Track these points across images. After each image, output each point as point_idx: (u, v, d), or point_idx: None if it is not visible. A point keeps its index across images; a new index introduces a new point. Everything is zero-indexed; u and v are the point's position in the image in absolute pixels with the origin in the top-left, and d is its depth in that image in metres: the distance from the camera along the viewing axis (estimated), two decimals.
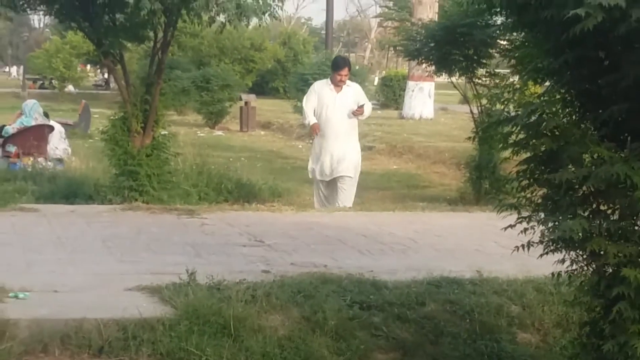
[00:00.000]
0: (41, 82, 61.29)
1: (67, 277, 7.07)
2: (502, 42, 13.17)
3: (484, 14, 9.44)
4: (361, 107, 12.81)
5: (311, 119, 12.86)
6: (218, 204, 11.58)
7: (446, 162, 20.64)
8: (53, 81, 55.48)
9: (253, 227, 9.60)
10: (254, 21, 11.68)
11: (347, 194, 12.81)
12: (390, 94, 42.44)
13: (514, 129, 4.95)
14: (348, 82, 13.01)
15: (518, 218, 5.08)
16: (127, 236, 8.89)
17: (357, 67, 25.28)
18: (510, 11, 4.80)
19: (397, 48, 19.69)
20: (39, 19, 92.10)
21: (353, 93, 12.98)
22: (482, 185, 13.70)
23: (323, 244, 9.00)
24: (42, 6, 12.41)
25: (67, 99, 46.26)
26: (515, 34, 6.08)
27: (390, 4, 73.03)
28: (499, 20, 6.57)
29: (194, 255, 8.08)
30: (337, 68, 13.00)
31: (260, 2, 10.70)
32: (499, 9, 4.87)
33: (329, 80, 13.12)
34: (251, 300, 6.30)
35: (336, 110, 12.75)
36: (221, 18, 10.99)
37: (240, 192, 12.49)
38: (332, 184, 12.91)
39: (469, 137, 13.51)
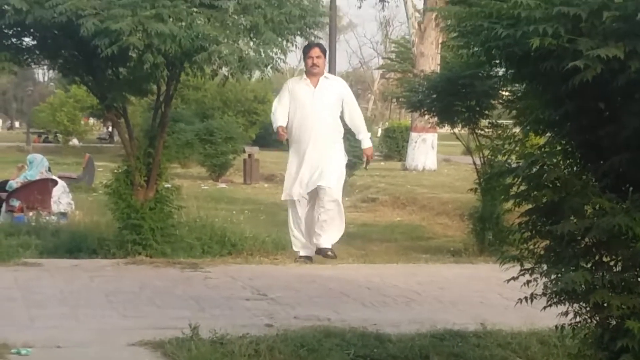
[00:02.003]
0: (45, 135, 61.55)
1: (70, 332, 7.04)
2: (504, 93, 13.19)
3: (485, 65, 9.48)
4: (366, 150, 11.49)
5: (277, 121, 11.06)
6: (222, 257, 11.55)
7: (450, 213, 20.61)
8: (57, 135, 55.73)
9: (256, 281, 9.58)
10: (257, 74, 11.74)
11: (330, 214, 10.92)
12: (394, 145, 42.60)
13: (515, 181, 4.97)
14: (329, 75, 11.55)
15: (521, 270, 5.08)
16: (131, 290, 8.86)
17: None
18: (510, 63, 4.84)
19: (400, 99, 19.74)
20: (43, 73, 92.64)
21: (336, 89, 11.19)
22: (486, 237, 13.66)
23: (326, 296, 8.97)
24: (46, 60, 12.49)
25: (71, 152, 46.42)
26: (516, 85, 6.12)
27: (393, 55, 73.59)
28: (500, 71, 6.59)
29: (197, 309, 8.05)
30: (307, 50, 11.19)
31: (263, 55, 10.72)
32: (498, 61, 4.91)
33: (304, 75, 11.38)
34: (254, 355, 6.27)
35: (314, 108, 10.96)
36: (224, 71, 11.04)
37: (244, 245, 12.43)
38: (310, 202, 11.13)
39: (472, 189, 13.51)
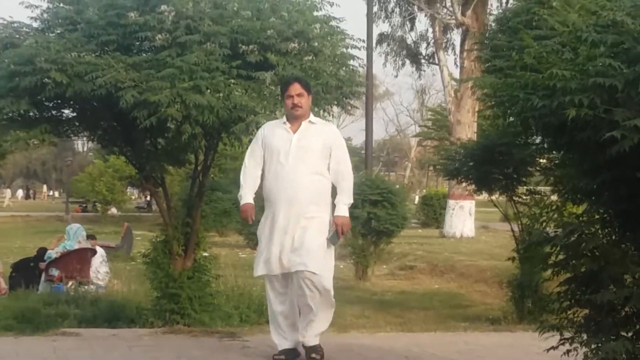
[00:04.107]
0: (84, 205, 62.03)
1: None
2: (541, 160, 13.18)
3: (522, 134, 9.49)
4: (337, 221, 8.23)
5: (243, 190, 8.47)
6: (259, 325, 11.52)
7: (488, 280, 20.51)
8: (96, 204, 56.17)
9: None
10: None
11: (315, 305, 8.29)
12: (431, 212, 42.53)
13: (553, 250, 4.96)
14: (315, 119, 8.66)
15: (561, 339, 5.05)
16: None
17: (397, 186, 25.32)
18: (546, 133, 4.86)
19: (437, 167, 19.78)
20: (82, 143, 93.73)
21: (323, 137, 8.38)
22: (525, 305, 13.58)
23: None
24: (85, 132, 12.66)
25: (110, 221, 46.75)
26: (553, 153, 6.13)
27: (429, 123, 73.73)
28: (537, 140, 6.61)
29: None
30: (285, 86, 8.63)
31: None
32: (535, 131, 4.93)
33: (284, 118, 8.58)
34: None
35: (292, 159, 8.24)
36: None
37: None
38: (289, 280, 8.44)
39: (509, 258, 13.49)
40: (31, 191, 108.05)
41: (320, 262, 8.17)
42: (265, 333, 10.63)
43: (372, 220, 20.47)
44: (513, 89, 4.54)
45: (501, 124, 8.36)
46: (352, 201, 8.43)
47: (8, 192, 78.97)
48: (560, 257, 4.95)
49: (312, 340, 8.42)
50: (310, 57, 10.69)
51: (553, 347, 5.10)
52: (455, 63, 39.26)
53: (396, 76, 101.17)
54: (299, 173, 8.20)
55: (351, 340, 10.47)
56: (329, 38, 11.11)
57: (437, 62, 37.62)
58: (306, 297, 8.17)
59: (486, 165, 13.68)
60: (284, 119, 8.52)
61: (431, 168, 59.66)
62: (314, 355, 8.38)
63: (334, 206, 8.38)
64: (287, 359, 8.49)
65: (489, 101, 5.18)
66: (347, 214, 8.31)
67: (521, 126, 4.88)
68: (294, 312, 8.53)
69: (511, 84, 4.55)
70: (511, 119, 4.86)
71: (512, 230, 14.05)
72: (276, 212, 8.25)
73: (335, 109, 12.13)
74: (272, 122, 8.79)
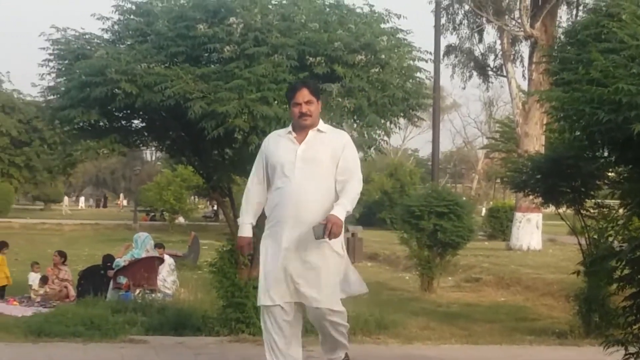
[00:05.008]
0: (152, 214, 62.61)
1: None
2: (610, 173, 13.06)
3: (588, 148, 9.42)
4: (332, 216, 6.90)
5: (243, 219, 7.49)
6: None
7: (555, 294, 20.32)
8: (164, 213, 56.64)
9: None
10: (360, 155, 11.84)
11: (329, 334, 7.47)
12: (498, 225, 42.25)
13: (618, 264, 4.94)
14: (325, 127, 7.53)
15: (625, 354, 5.02)
16: None
17: (463, 198, 25.25)
18: (613, 147, 4.84)
19: (504, 179, 19.67)
20: (151, 153, 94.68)
21: (331, 145, 7.32)
22: (592, 319, 13.45)
23: None
24: (154, 142, 12.83)
25: (177, 230, 47.14)
26: (621, 166, 6.10)
27: (497, 135, 73.29)
28: (604, 152, 6.58)
29: None
30: (291, 92, 7.49)
31: (366, 137, 10.86)
32: (601, 145, 4.92)
33: (290, 127, 7.51)
34: None
35: (298, 173, 7.20)
36: None
37: None
38: (295, 309, 7.41)
39: (575, 272, 13.38)
40: (100, 200, 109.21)
41: (333, 291, 7.23)
42: None
43: (438, 232, 20.39)
44: (579, 103, 4.53)
45: (566, 138, 8.31)
46: (351, 209, 7.19)
47: (66, 199, 79.86)
48: (626, 271, 4.92)
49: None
50: (377, 69, 10.74)
51: None
52: (523, 75, 39.03)
53: (464, 88, 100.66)
54: (305, 190, 7.16)
55: (415, 352, 10.48)
56: (395, 50, 11.15)
57: (505, 74, 37.42)
58: (321, 328, 7.42)
59: (553, 178, 13.58)
60: (290, 127, 7.48)
61: (498, 180, 59.26)
62: None
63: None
64: None
65: (556, 115, 5.17)
66: (343, 217, 6.98)
67: (587, 140, 4.88)
68: (295, 335, 7.55)
69: (577, 98, 4.54)
70: (577, 132, 4.85)
71: (579, 244, 13.93)
72: (279, 233, 7.21)
73: (401, 120, 12.15)
74: (277, 132, 7.73)
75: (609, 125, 4.31)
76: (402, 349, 10.74)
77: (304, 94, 7.30)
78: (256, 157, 7.59)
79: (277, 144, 7.40)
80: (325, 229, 6.80)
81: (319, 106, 7.42)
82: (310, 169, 7.18)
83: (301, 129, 7.33)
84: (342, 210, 6.99)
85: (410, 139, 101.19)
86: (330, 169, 7.22)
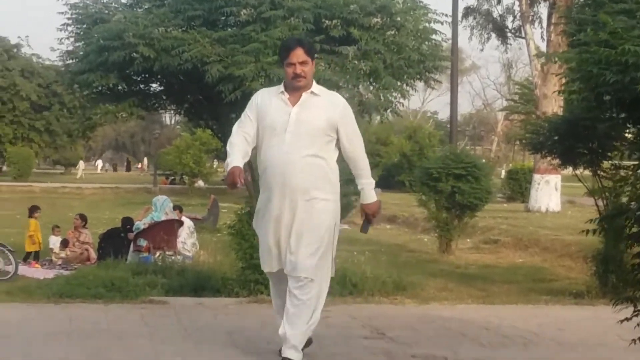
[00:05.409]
0: (172, 177, 62.82)
1: None
2: (627, 135, 13.05)
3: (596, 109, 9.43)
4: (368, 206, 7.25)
5: (231, 157, 7.05)
6: (342, 297, 11.64)
7: (573, 255, 20.33)
8: (183, 177, 56.85)
9: (375, 320, 9.69)
10: (377, 117, 11.91)
11: (300, 303, 7.12)
12: (517, 187, 42.20)
13: (627, 223, 5.00)
14: (320, 89, 7.30)
15: (634, 311, 5.10)
16: (253, 328, 9.06)
17: (482, 160, 25.23)
18: (620, 108, 4.90)
19: (522, 141, 19.66)
20: (169, 117, 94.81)
21: (327, 110, 7.10)
22: (609, 279, 13.50)
23: (444, 336, 9.02)
24: (172, 105, 12.94)
25: (197, 193, 47.34)
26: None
27: (516, 97, 73.11)
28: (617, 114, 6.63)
29: (316, 346, 8.15)
30: (285, 52, 7.15)
31: (382, 99, 10.92)
32: (609, 106, 4.98)
33: (281, 86, 7.23)
34: None
35: (290, 136, 6.98)
36: None
37: (364, 285, 12.51)
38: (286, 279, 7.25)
39: (583, 231, 13.45)
40: (116, 164, 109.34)
41: (317, 256, 7.05)
42: (347, 304, 10.83)
43: (456, 194, 20.41)
44: (588, 64, 4.59)
45: (575, 99, 8.34)
46: (374, 180, 7.34)
47: (81, 163, 79.98)
48: (634, 229, 4.98)
49: (287, 351, 7.14)
50: (392, 32, 10.80)
51: (627, 319, 5.16)
52: (542, 37, 38.83)
53: (482, 50, 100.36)
54: (295, 154, 6.93)
55: (431, 312, 10.59)
56: (411, 13, 11.19)
57: (523, 35, 37.28)
58: (291, 293, 7.11)
59: (570, 140, 13.58)
60: (282, 87, 7.18)
61: (517, 142, 59.26)
62: None
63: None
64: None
65: (572, 76, 5.22)
66: (375, 197, 7.23)
67: (595, 101, 4.94)
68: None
69: (586, 59, 4.59)
70: (585, 94, 4.90)
71: (597, 205, 13.96)
72: (269, 198, 7.10)
73: (419, 83, 12.20)
74: (268, 90, 7.42)
75: (616, 86, 4.37)
76: (418, 309, 10.85)
77: (299, 54, 7.03)
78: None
79: (270, 103, 7.16)
80: (369, 221, 7.24)
81: (313, 67, 7.17)
82: (303, 133, 6.98)
83: (294, 90, 7.09)
84: (371, 190, 7.24)
85: (429, 102, 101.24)
86: (324, 134, 7.04)
